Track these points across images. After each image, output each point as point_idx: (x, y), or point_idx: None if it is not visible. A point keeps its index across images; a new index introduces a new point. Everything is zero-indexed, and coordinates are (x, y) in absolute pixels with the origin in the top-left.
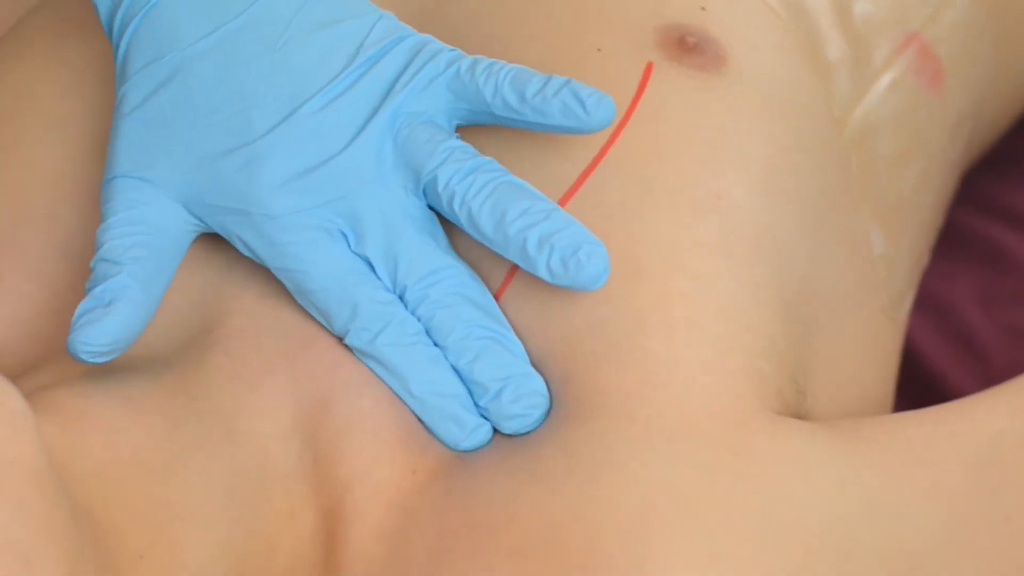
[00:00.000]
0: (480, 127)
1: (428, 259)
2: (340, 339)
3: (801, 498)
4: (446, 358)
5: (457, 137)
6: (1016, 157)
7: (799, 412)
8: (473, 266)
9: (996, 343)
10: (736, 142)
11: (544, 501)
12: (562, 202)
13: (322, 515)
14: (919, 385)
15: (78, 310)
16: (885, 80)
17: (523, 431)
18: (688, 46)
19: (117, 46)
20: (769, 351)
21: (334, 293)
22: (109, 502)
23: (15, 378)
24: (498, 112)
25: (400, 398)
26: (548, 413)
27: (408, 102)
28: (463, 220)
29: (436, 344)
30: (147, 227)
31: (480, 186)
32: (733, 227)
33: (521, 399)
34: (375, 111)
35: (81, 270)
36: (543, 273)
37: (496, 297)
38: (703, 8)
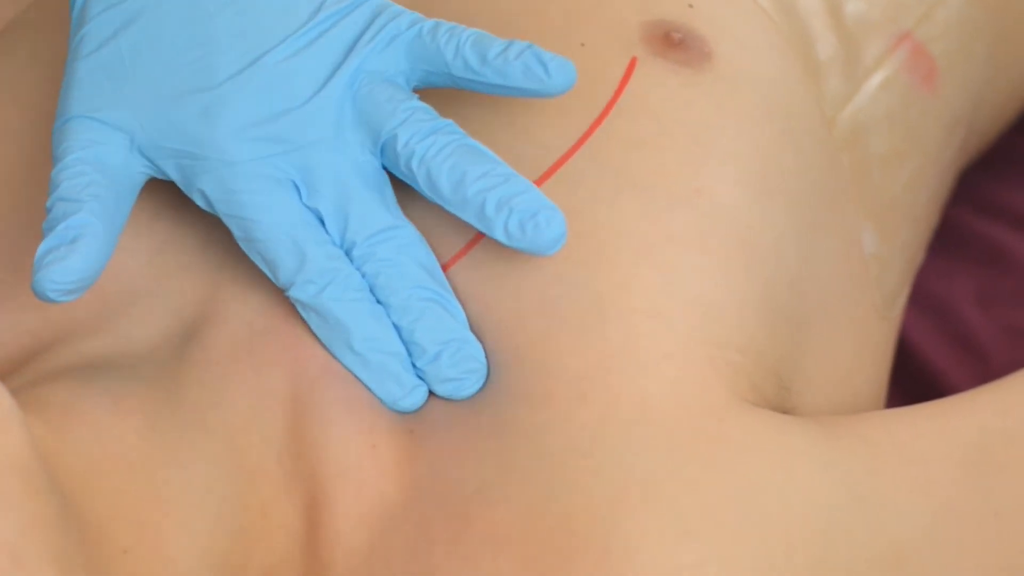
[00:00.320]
0: (454, 107)
1: (378, 217)
2: (284, 291)
3: (778, 484)
4: (388, 315)
5: (417, 98)
6: (1015, 156)
7: (783, 408)
8: (427, 234)
9: (995, 343)
10: (720, 138)
11: (515, 492)
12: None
13: (300, 505)
14: (918, 384)
15: (40, 249)
16: (877, 79)
17: (457, 396)
18: (673, 42)
19: None
20: (745, 345)
21: (283, 244)
22: (95, 498)
23: (4, 375)
24: (458, 73)
25: (338, 357)
26: (485, 381)
27: (369, 60)
28: (421, 180)
29: (380, 299)
30: (103, 167)
31: (440, 147)
32: (711, 222)
33: (458, 364)
34: (337, 67)
35: None
36: (500, 235)
37: (448, 266)
38: (690, 5)
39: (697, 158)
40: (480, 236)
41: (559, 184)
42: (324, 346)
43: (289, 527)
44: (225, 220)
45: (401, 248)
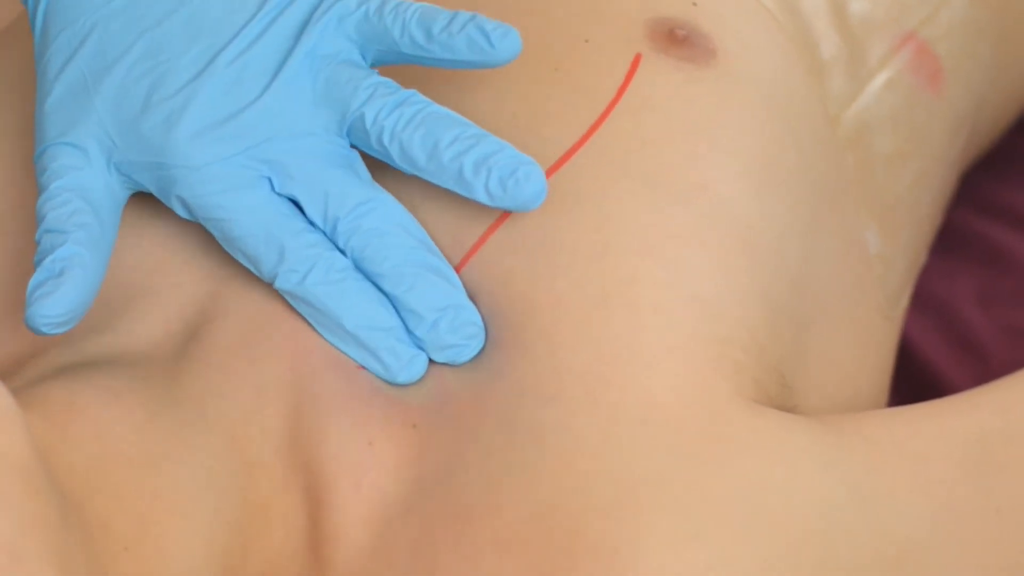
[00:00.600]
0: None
1: (357, 191)
2: (269, 284)
3: (782, 484)
4: (380, 287)
5: (377, 74)
6: (1015, 157)
7: (785, 407)
8: (433, 235)
9: (996, 343)
10: (723, 135)
11: (522, 491)
12: None
13: (300, 500)
14: (918, 384)
15: (31, 284)
16: (881, 79)
17: (456, 361)
18: (677, 38)
19: (34, 16)
20: (747, 342)
21: (260, 238)
22: (95, 495)
23: (6, 374)
24: (406, 50)
25: (333, 343)
26: (483, 346)
27: (321, 43)
28: (394, 154)
29: (371, 273)
30: (85, 192)
31: (408, 118)
32: (715, 219)
33: (458, 329)
34: (288, 54)
35: None
36: (481, 196)
37: (461, 266)
38: (694, 3)
39: (701, 154)
40: (488, 233)
41: (564, 179)
42: (322, 337)
43: (290, 521)
44: (204, 224)
45: (386, 216)
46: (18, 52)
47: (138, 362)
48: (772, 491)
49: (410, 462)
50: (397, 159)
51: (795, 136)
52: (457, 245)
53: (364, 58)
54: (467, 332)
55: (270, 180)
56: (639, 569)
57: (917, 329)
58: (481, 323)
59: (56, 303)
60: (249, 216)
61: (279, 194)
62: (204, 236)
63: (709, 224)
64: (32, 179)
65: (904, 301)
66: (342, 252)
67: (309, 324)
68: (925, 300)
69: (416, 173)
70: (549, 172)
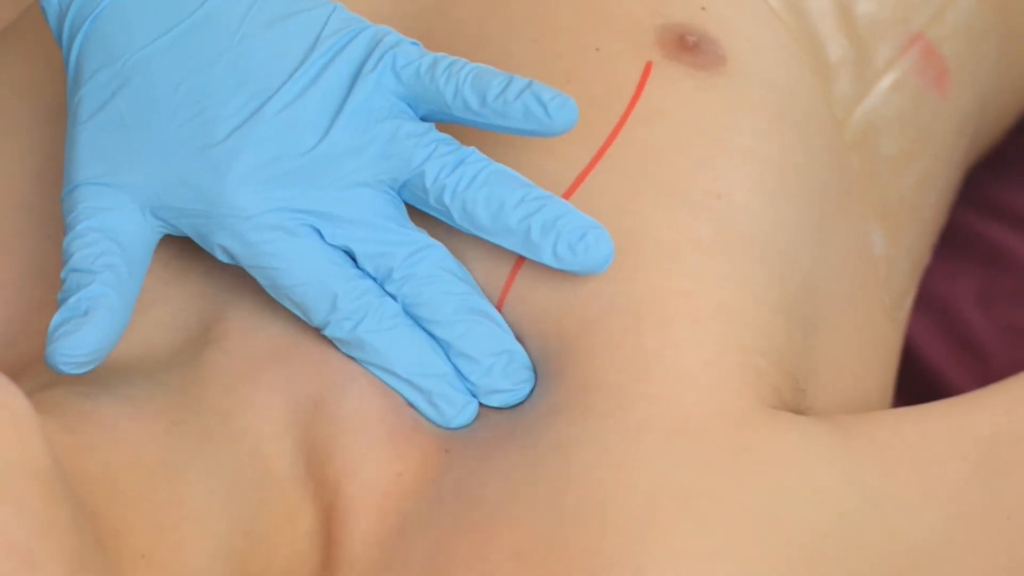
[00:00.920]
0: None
1: (409, 239)
2: (320, 331)
3: (802, 495)
4: (432, 333)
5: (434, 129)
6: (1017, 157)
7: (798, 410)
8: (470, 268)
9: (996, 343)
10: (736, 141)
11: (543, 503)
12: None
13: (319, 517)
14: (919, 384)
15: (53, 322)
16: (887, 81)
17: (508, 405)
18: (688, 45)
19: (68, 52)
20: (767, 348)
21: (312, 287)
22: (112, 502)
23: (15, 375)
24: (459, 115)
25: (387, 383)
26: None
27: (375, 96)
28: (456, 213)
29: (423, 319)
30: (115, 233)
31: (470, 178)
32: (732, 226)
33: (512, 375)
34: (341, 105)
35: None
36: (548, 259)
37: (501, 303)
38: (703, 8)
39: (715, 162)
40: (517, 269)
41: (583, 196)
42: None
43: (309, 536)
44: (250, 271)
45: (438, 263)
46: (23, 51)
47: (156, 368)
48: (791, 503)
49: (434, 481)
50: (458, 218)
51: (804, 139)
52: (491, 283)
53: (415, 110)
54: (520, 377)
55: (319, 231)
56: None
57: (918, 329)
58: (532, 367)
59: (79, 343)
60: (300, 265)
61: (330, 244)
62: None
63: (727, 232)
64: (42, 179)
65: (908, 302)
66: (392, 297)
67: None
68: (926, 300)
69: (477, 233)
70: (569, 192)
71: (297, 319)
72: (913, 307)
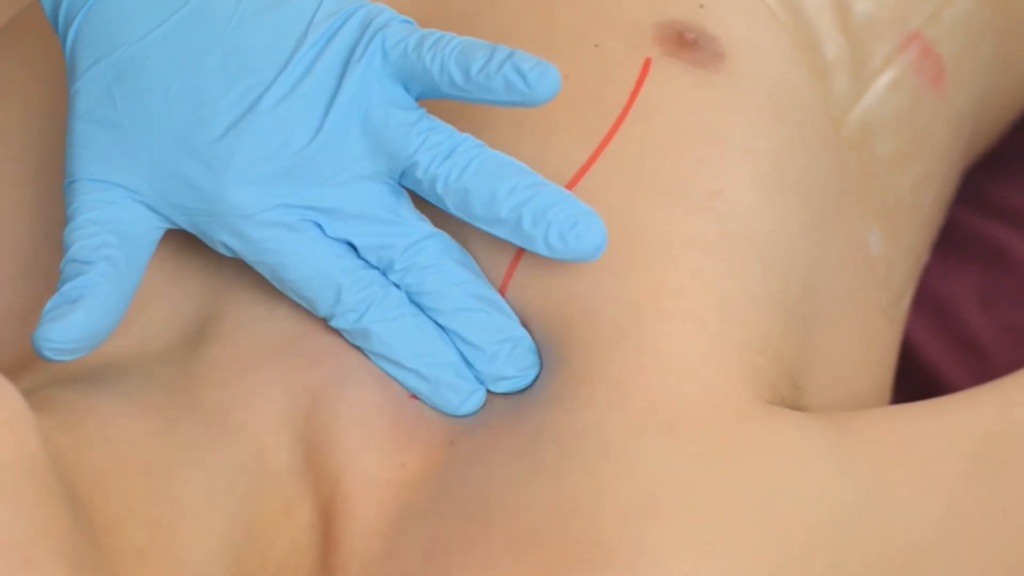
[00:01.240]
0: (469, 121)
1: (409, 230)
2: (327, 322)
3: (798, 490)
4: (437, 323)
5: (426, 114)
6: (1016, 156)
7: (795, 407)
8: (474, 255)
9: (996, 343)
10: (734, 138)
11: (542, 493)
12: None
13: (318, 510)
14: (919, 384)
15: (45, 308)
16: (884, 80)
17: (514, 391)
18: (686, 42)
19: (64, 41)
20: (764, 346)
21: (316, 281)
22: (109, 500)
23: (11, 373)
24: (447, 91)
25: (391, 374)
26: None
27: (366, 82)
28: (449, 203)
29: (427, 308)
30: (115, 226)
31: (462, 167)
32: (730, 224)
33: (516, 361)
34: (333, 97)
35: None
36: (541, 248)
37: (503, 292)
38: (702, 6)
39: (713, 159)
40: (519, 256)
41: (583, 191)
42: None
43: (308, 529)
44: (253, 266)
45: (440, 252)
46: (22, 49)
47: (152, 366)
48: (788, 497)
49: (438, 473)
50: (452, 208)
51: (802, 138)
52: (494, 270)
53: (408, 91)
54: (525, 363)
55: (319, 225)
56: None
57: (917, 329)
58: (537, 352)
59: (64, 329)
60: (303, 260)
61: (331, 237)
62: None
63: (725, 230)
64: (38, 178)
65: (906, 301)
66: (396, 287)
67: (327, 327)
68: (925, 300)
69: (472, 222)
70: (569, 186)
71: (293, 314)
72: (913, 307)
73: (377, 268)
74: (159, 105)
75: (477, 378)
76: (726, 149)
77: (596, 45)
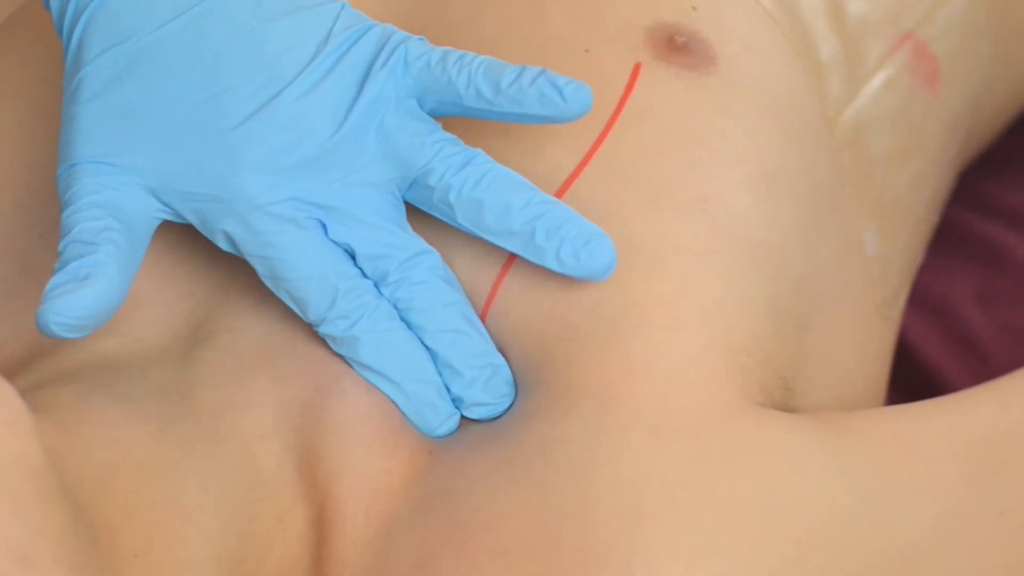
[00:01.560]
0: (461, 128)
1: (407, 244)
2: (314, 327)
3: (792, 489)
4: (422, 340)
5: (441, 128)
6: (1014, 157)
7: (787, 408)
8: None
9: (994, 342)
10: (726, 142)
11: (527, 502)
12: None
13: (310, 519)
14: (917, 384)
15: (49, 285)
16: (878, 80)
17: (487, 418)
18: (677, 45)
19: (70, 36)
20: (753, 348)
21: (313, 282)
22: (106, 502)
23: (8, 375)
24: (470, 104)
25: (375, 385)
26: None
27: (385, 91)
28: (460, 212)
29: (414, 325)
30: (117, 211)
31: (476, 179)
32: (720, 228)
33: (492, 390)
34: (353, 101)
35: None
36: (551, 262)
37: (485, 312)
38: (694, 8)
39: (704, 163)
40: (502, 276)
41: (572, 199)
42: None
43: (301, 536)
44: (250, 260)
45: (432, 270)
46: (19, 52)
47: (147, 367)
48: (781, 498)
49: (420, 482)
50: (461, 218)
51: (795, 139)
52: (475, 292)
53: (421, 105)
54: (501, 391)
55: (323, 224)
56: None
57: (916, 329)
58: (513, 382)
59: (74, 304)
60: (303, 259)
61: (332, 240)
62: (215, 246)
63: (715, 234)
64: (34, 177)
65: (901, 301)
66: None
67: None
68: (924, 300)
69: (478, 233)
70: (558, 194)
71: (284, 319)
72: (912, 307)
73: (371, 280)
74: (175, 92)
75: (452, 401)
76: (717, 152)
77: (587, 50)
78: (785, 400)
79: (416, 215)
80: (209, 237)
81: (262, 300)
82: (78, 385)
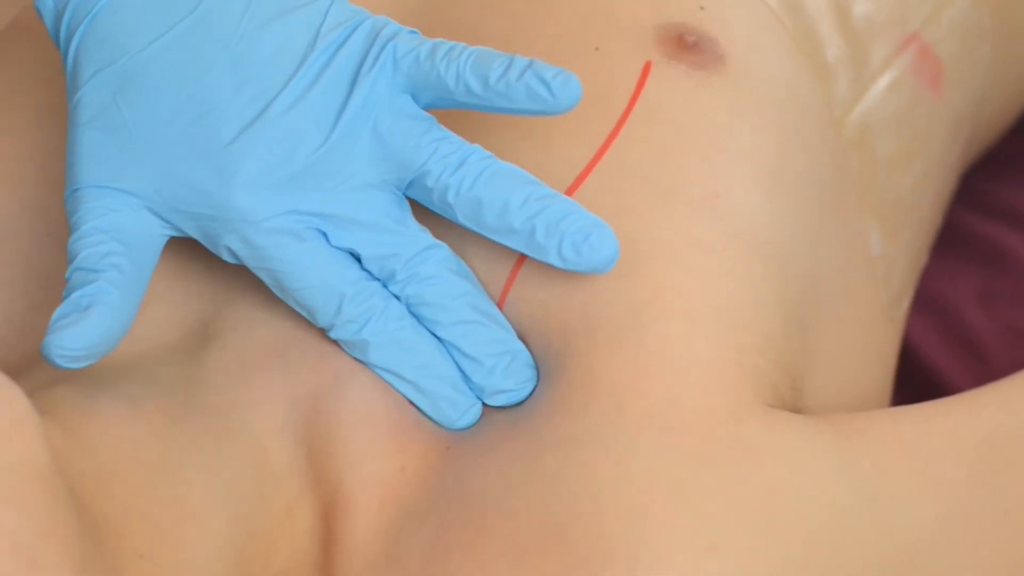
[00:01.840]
0: (469, 122)
1: (413, 240)
2: (325, 332)
3: (798, 489)
4: (436, 334)
5: (436, 124)
6: (1016, 157)
7: (794, 408)
8: (472, 267)
9: (996, 343)
10: (735, 140)
11: (541, 498)
12: None
13: (320, 513)
14: (919, 384)
15: (54, 315)
16: (884, 81)
17: (511, 404)
18: (687, 44)
19: (66, 52)
20: (764, 347)
21: (318, 290)
22: (112, 502)
23: (15, 375)
24: (461, 99)
25: (392, 384)
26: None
27: (376, 90)
28: (460, 213)
29: (427, 320)
30: (121, 234)
31: (474, 177)
32: (731, 226)
33: (514, 375)
34: (344, 105)
35: None
36: (553, 259)
37: (502, 302)
38: (702, 8)
39: (715, 161)
40: (518, 268)
41: (583, 196)
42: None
43: (310, 531)
44: (256, 272)
45: (441, 263)
46: (23, 50)
47: (154, 367)
48: (787, 497)
49: (436, 476)
50: (462, 218)
51: (803, 139)
52: (493, 281)
53: (417, 101)
54: (523, 376)
55: (324, 233)
56: None
57: (918, 329)
58: (534, 364)
59: (76, 336)
60: (306, 269)
61: (335, 246)
62: None
63: (726, 231)
64: (41, 178)
65: (906, 302)
66: (397, 298)
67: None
68: (926, 300)
69: (482, 232)
70: (569, 192)
71: (295, 316)
72: (914, 307)
73: (378, 279)
74: (166, 111)
75: (474, 391)
76: (727, 151)
77: (597, 48)
78: (794, 399)
79: (425, 209)
80: (214, 252)
81: (271, 297)
82: (83, 385)
